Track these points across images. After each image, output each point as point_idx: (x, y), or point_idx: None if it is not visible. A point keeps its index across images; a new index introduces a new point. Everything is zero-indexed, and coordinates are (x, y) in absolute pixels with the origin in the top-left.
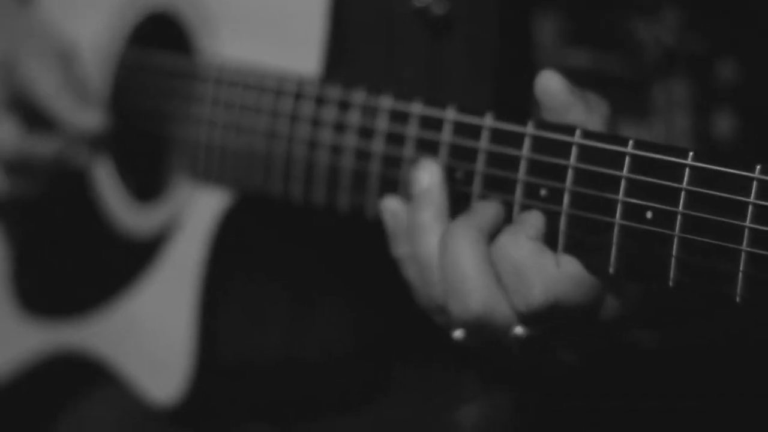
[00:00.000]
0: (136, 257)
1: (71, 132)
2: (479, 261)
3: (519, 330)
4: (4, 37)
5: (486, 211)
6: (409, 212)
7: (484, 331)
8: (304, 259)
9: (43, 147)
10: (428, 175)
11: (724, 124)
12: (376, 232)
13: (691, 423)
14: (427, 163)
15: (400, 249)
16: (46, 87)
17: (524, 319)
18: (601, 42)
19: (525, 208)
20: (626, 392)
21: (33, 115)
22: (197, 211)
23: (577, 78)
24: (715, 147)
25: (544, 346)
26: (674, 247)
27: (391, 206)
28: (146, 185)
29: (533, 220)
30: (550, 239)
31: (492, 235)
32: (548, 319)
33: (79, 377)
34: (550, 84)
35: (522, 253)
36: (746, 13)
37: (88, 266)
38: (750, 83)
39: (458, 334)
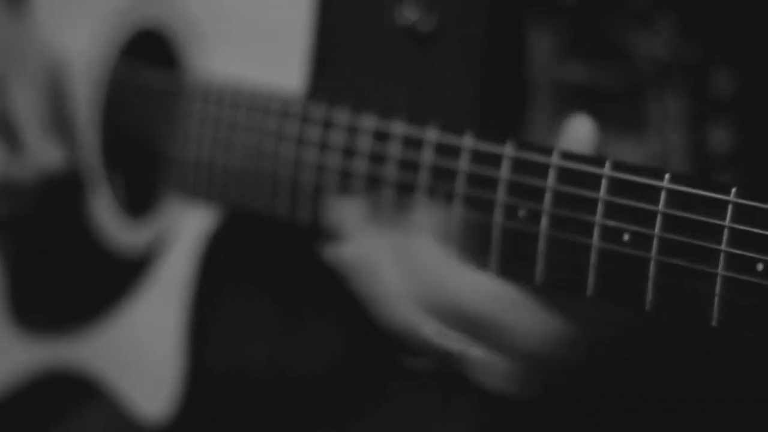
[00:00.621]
0: (127, 273)
1: (32, 163)
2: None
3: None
4: None
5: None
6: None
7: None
8: (293, 272)
9: (24, 171)
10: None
11: (720, 136)
12: None
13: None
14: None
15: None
16: (24, 108)
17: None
18: (596, 56)
19: (505, 230)
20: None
21: (15, 138)
22: (187, 226)
23: (572, 93)
24: (711, 159)
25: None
26: (651, 269)
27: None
28: (138, 201)
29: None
30: (529, 260)
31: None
32: (455, 324)
33: (71, 393)
34: (580, 131)
35: (435, 260)
36: (742, 23)
37: (80, 282)
38: (746, 95)
39: None
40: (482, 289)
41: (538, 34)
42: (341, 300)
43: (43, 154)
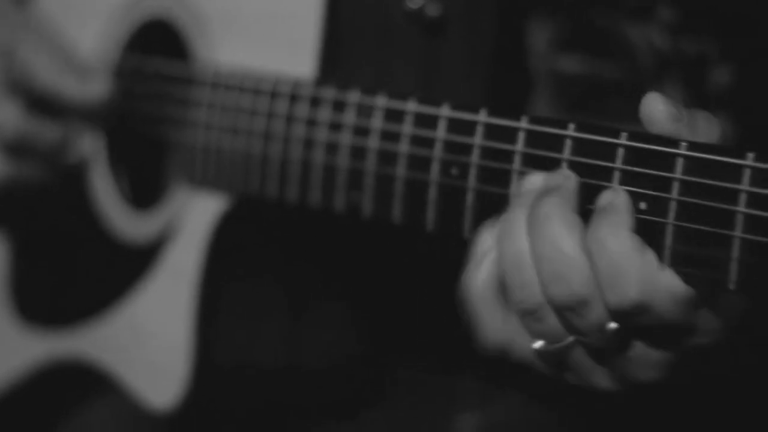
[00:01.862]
0: (134, 264)
1: (78, 107)
2: (578, 243)
3: (612, 325)
4: (2, 28)
5: (570, 185)
6: (505, 215)
7: (579, 320)
8: (301, 264)
9: (46, 130)
10: (533, 179)
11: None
12: (373, 236)
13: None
14: (534, 174)
15: (479, 277)
16: (47, 69)
17: (615, 315)
18: (595, 47)
19: None
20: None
21: (33, 100)
22: (194, 216)
23: (571, 84)
24: None
25: (631, 352)
26: (669, 235)
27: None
28: (144, 192)
29: (625, 205)
30: None
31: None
32: (638, 320)
33: (79, 385)
34: (653, 111)
35: (623, 249)
36: (740, 17)
37: (86, 274)
38: (744, 88)
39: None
40: (670, 288)
41: (538, 25)
42: (350, 292)
43: (87, 90)
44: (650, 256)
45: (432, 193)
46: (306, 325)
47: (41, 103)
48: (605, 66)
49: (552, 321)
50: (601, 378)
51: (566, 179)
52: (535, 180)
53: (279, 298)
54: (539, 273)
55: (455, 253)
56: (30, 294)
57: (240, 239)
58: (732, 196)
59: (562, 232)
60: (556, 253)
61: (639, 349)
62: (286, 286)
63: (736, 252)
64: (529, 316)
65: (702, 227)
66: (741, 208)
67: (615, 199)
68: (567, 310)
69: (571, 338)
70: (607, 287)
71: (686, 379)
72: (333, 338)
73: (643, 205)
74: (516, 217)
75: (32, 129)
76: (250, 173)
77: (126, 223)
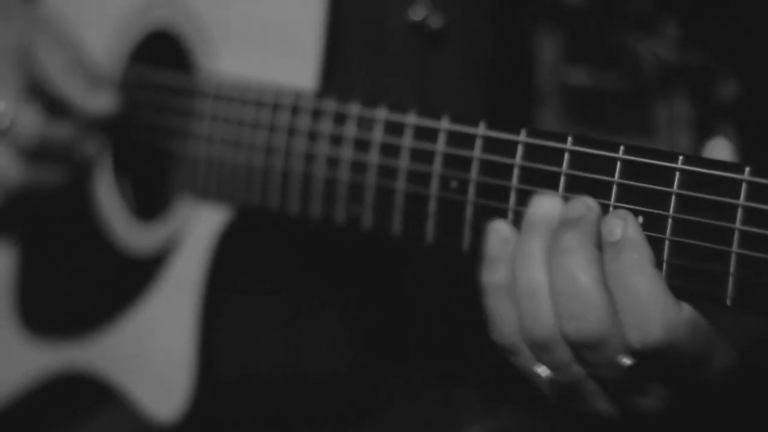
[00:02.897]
0: (138, 275)
1: (83, 115)
2: (598, 279)
3: (627, 361)
4: (17, 26)
5: (591, 217)
6: (520, 239)
7: (592, 355)
8: (303, 275)
9: (61, 129)
10: (548, 204)
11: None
12: (374, 247)
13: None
14: (547, 194)
15: (495, 276)
16: (59, 70)
17: (634, 353)
18: (602, 59)
19: (517, 214)
20: None
21: (50, 102)
22: (197, 228)
23: (578, 96)
24: None
25: (641, 385)
26: (665, 250)
27: (503, 230)
28: (148, 203)
29: (642, 238)
30: None
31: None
32: (659, 359)
33: (83, 396)
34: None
35: (649, 288)
36: (746, 28)
37: (90, 286)
38: (750, 101)
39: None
40: (691, 323)
41: (545, 38)
42: (351, 303)
43: (93, 102)
44: (670, 295)
45: (432, 207)
46: (308, 336)
47: (55, 105)
48: (612, 79)
49: (562, 353)
50: (605, 406)
51: (589, 211)
52: (548, 205)
53: (281, 310)
54: (555, 306)
55: (455, 264)
56: (35, 304)
57: (243, 251)
58: (729, 210)
59: (582, 267)
60: (575, 289)
61: (650, 383)
62: (288, 298)
63: (733, 267)
64: (538, 347)
65: (699, 242)
66: (737, 224)
67: (630, 231)
68: (582, 347)
69: (580, 370)
70: (629, 326)
71: (692, 408)
72: (335, 349)
73: (640, 219)
74: (532, 246)
75: (49, 131)
76: (252, 185)
77: (130, 233)
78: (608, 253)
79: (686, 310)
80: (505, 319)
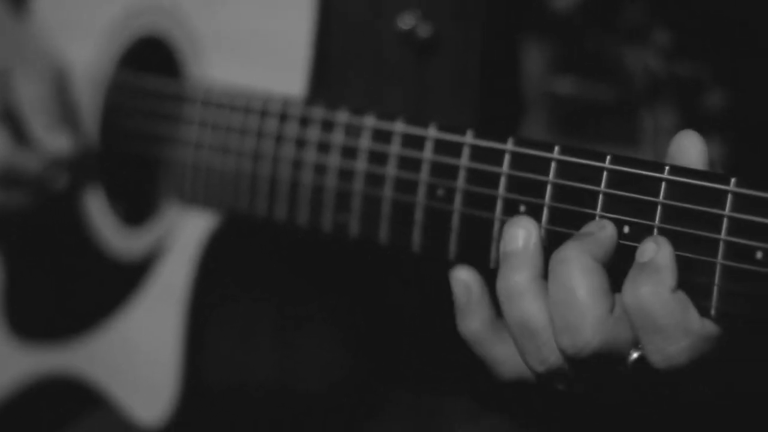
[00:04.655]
0: (125, 280)
1: (42, 152)
2: (595, 290)
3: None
4: (1, 48)
5: (601, 235)
6: (500, 275)
7: (597, 366)
8: (293, 282)
9: (31, 160)
10: (524, 233)
11: (713, 152)
12: (361, 254)
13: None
14: (523, 219)
15: (472, 324)
16: (29, 103)
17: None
18: (589, 69)
19: (502, 223)
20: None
21: (22, 132)
22: (185, 233)
23: (566, 106)
24: None
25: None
26: None
27: (465, 278)
28: (135, 208)
29: (668, 260)
30: None
31: (607, 264)
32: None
33: (69, 400)
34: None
35: (667, 312)
36: (734, 41)
37: (77, 290)
38: (739, 111)
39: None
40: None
41: (532, 48)
42: (342, 311)
43: (52, 142)
44: (692, 311)
45: (418, 215)
46: (296, 344)
47: (24, 136)
48: (599, 88)
49: (572, 372)
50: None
51: (600, 229)
52: (522, 235)
53: (269, 316)
54: (552, 321)
55: (443, 272)
56: (22, 309)
57: (230, 257)
58: (715, 221)
59: (578, 280)
60: (572, 304)
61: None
62: (277, 304)
63: (718, 278)
64: (545, 377)
65: (684, 254)
66: (723, 235)
67: (657, 256)
68: (585, 359)
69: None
70: (654, 352)
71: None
72: (323, 357)
73: (626, 229)
74: (515, 279)
75: (18, 160)
76: (239, 192)
77: (118, 239)
78: (630, 274)
79: (707, 325)
80: (499, 360)
